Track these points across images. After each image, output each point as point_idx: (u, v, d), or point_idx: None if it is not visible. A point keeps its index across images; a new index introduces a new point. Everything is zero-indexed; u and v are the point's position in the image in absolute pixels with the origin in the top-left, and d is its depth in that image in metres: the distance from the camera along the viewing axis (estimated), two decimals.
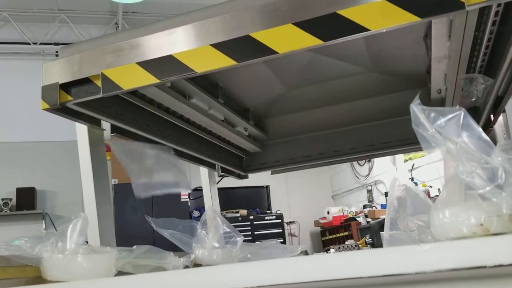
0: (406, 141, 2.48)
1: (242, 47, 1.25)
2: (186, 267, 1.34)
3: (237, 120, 2.30)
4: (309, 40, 1.19)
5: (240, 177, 2.79)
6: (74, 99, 1.39)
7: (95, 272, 1.13)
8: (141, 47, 1.37)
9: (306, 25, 1.19)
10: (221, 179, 2.74)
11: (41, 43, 7.51)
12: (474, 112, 2.25)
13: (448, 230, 0.88)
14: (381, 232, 4.43)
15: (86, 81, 1.38)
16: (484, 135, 0.73)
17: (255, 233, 7.63)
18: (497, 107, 1.91)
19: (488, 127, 2.19)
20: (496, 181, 0.70)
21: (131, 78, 1.34)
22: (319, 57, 2.10)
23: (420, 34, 1.81)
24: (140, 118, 1.81)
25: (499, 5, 1.26)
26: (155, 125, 1.89)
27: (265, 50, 1.22)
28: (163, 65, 1.33)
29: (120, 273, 1.20)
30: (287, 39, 1.21)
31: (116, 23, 7.64)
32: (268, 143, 2.69)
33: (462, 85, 1.92)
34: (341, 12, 1.16)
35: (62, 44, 7.32)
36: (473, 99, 1.99)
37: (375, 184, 7.54)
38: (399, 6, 1.10)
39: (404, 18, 1.10)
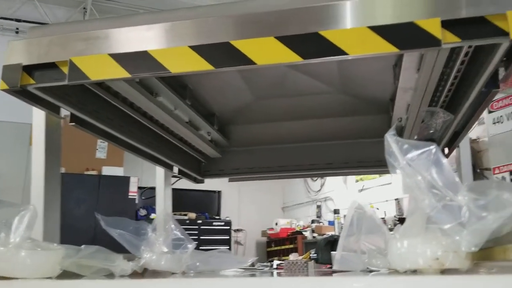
0: (363, 163, 2.54)
1: (221, 54, 1.23)
2: (135, 272, 1.30)
3: (202, 123, 2.27)
4: (289, 56, 1.19)
5: (196, 181, 2.75)
6: (36, 83, 1.32)
7: (38, 269, 1.07)
8: (116, 38, 1.33)
9: (287, 41, 1.19)
10: (176, 181, 2.70)
11: (1, 18, 7.14)
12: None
13: (404, 260, 0.90)
14: (332, 252, 4.49)
15: (52, 66, 1.31)
16: (452, 173, 0.75)
17: (202, 237, 7.55)
18: (453, 142, 1.99)
19: None
20: (459, 218, 0.72)
21: (101, 69, 1.29)
22: (291, 72, 2.12)
23: (390, 63, 1.87)
24: (102, 110, 1.74)
25: (470, 46, 1.32)
26: (117, 119, 1.83)
27: (244, 59, 1.21)
28: (136, 61, 1.29)
29: (64, 272, 1.14)
30: (268, 52, 1.21)
31: (84, 8, 7.40)
32: (229, 150, 2.68)
33: (423, 116, 1.99)
34: (323, 33, 1.17)
35: (24, 21, 6.99)
36: (431, 132, 2.07)
37: (325, 200, 7.68)
38: (380, 35, 1.13)
39: (383, 47, 1.12)
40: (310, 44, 1.18)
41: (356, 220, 1.25)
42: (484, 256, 0.84)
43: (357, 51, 1.14)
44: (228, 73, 2.06)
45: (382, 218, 5.25)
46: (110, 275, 1.25)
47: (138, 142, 1.96)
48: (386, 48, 1.12)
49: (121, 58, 1.30)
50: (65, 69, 1.29)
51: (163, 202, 2.38)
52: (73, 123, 1.66)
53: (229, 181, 2.84)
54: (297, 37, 1.19)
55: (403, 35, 1.12)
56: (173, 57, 1.25)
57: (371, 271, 1.24)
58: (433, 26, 1.10)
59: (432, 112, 1.89)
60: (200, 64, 1.22)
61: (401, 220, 4.94)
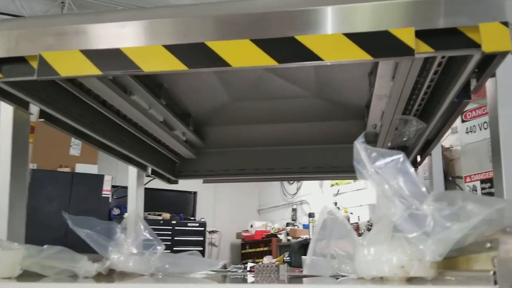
0: (338, 168, 2.55)
1: (196, 54, 1.22)
2: (99, 273, 1.27)
3: (177, 124, 2.24)
4: (264, 60, 1.18)
5: (169, 181, 2.72)
6: (4, 77, 1.28)
7: None
8: (88, 34, 1.30)
9: (263, 44, 1.18)
10: (150, 180, 2.66)
11: None
12: (403, 151, 2.37)
13: (370, 267, 0.91)
14: (303, 257, 4.50)
15: (21, 60, 1.27)
16: (419, 182, 0.76)
17: (175, 238, 7.48)
18: (425, 150, 2.02)
19: (413, 167, 2.31)
20: (424, 228, 0.73)
21: (71, 65, 1.26)
22: (268, 75, 2.11)
23: (366, 70, 1.88)
24: (73, 107, 1.70)
25: (443, 57, 1.34)
26: (88, 117, 1.79)
27: (219, 61, 1.20)
28: (108, 58, 1.26)
29: (26, 272, 1.11)
30: (243, 54, 1.20)
31: (62, 2, 7.24)
32: (204, 151, 2.66)
33: (396, 124, 2.02)
34: (299, 37, 1.17)
35: (0, 13, 6.80)
36: (404, 139, 2.09)
37: (301, 203, 7.71)
38: (355, 42, 1.13)
39: (357, 55, 1.12)
40: (286, 49, 1.18)
41: (327, 225, 1.26)
42: (449, 265, 0.85)
43: (332, 57, 1.14)
44: (204, 74, 2.04)
45: (356, 223, 5.30)
46: (74, 277, 1.22)
47: (110, 140, 1.92)
48: (361, 55, 1.13)
49: (93, 55, 1.27)
50: (35, 64, 1.26)
51: (135, 202, 2.35)
52: (42, 119, 1.62)
53: (203, 183, 2.82)
54: (273, 41, 1.19)
55: (378, 43, 1.13)
56: (146, 56, 1.23)
57: (340, 276, 1.24)
58: (407, 36, 1.11)
59: (405, 120, 1.92)
60: (173, 64, 1.21)
61: None
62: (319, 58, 1.15)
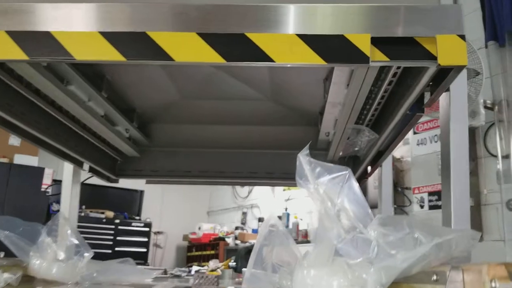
0: (289, 175, 2.49)
1: (136, 44, 1.11)
2: (9, 285, 1.12)
3: (119, 119, 2.10)
4: (211, 56, 1.09)
5: (109, 180, 2.56)
6: None
7: None
8: (16, 14, 1.16)
9: (211, 39, 1.09)
10: (88, 178, 2.49)
11: None
12: (354, 161, 2.35)
13: None
14: (244, 268, 4.42)
15: None
16: (365, 202, 0.69)
17: (118, 238, 7.19)
18: (376, 161, 1.99)
19: (363, 177, 2.29)
20: (367, 254, 0.66)
21: None
22: (220, 74, 2.01)
23: (322, 76, 1.83)
24: (1, 95, 1.54)
25: (398, 67, 1.29)
26: (19, 107, 1.62)
27: (161, 54, 1.09)
28: (38, 42, 1.13)
29: None
30: (188, 49, 1.10)
31: None
32: (149, 149, 2.52)
33: (349, 133, 1.98)
34: (250, 35, 1.08)
35: None
36: (356, 149, 2.06)
37: (252, 207, 7.65)
38: (309, 46, 1.06)
39: (311, 58, 1.05)
40: (235, 46, 1.09)
41: (270, 237, 1.18)
42: None
43: (284, 59, 1.07)
44: (151, 67, 1.92)
45: (305, 230, 5.29)
46: None
47: (42, 133, 1.76)
48: (314, 59, 1.05)
49: (20, 37, 1.14)
50: None
51: (69, 201, 2.17)
52: None
53: (146, 183, 2.68)
54: (222, 36, 1.09)
55: (332, 48, 1.06)
56: (79, 42, 1.11)
57: None
58: (362, 42, 1.05)
59: (358, 130, 1.88)
60: (109, 54, 1.09)
61: None
62: (270, 59, 1.06)
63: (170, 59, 1.08)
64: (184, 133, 2.48)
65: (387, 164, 2.13)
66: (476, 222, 4.12)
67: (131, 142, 2.36)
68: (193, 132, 2.46)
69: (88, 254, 1.42)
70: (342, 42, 1.05)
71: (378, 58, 1.05)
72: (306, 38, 1.06)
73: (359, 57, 1.04)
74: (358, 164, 2.23)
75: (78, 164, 2.20)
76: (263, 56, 1.06)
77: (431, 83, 1.20)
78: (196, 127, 2.44)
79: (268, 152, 2.48)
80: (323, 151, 2.43)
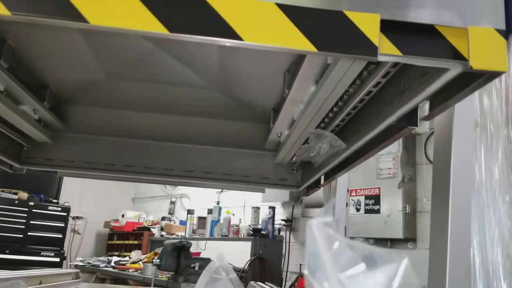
0: (229, 176, 2.16)
1: None
2: None
3: (25, 97, 1.65)
4: (148, 23, 0.72)
5: (12, 169, 2.08)
6: None
7: None
8: None
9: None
10: None
11: None
12: (306, 166, 2.07)
13: None
14: (177, 259, 4.07)
15: None
16: None
17: (32, 222, 6.50)
18: (335, 172, 1.71)
19: (315, 186, 2.02)
20: None
21: None
22: (159, 52, 1.63)
23: (283, 66, 1.51)
24: None
25: (394, 65, 1.00)
26: None
27: (70, 12, 0.71)
28: None
29: None
30: (113, 9, 0.73)
31: None
32: (64, 135, 2.07)
33: (306, 137, 1.69)
34: (212, 1, 0.74)
35: None
36: (312, 155, 1.76)
37: (181, 197, 7.23)
38: (294, 22, 0.73)
39: (296, 41, 0.72)
40: (187, 12, 0.74)
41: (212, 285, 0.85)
42: None
43: (256, 38, 0.73)
44: (68, 36, 1.49)
45: (237, 226, 5.01)
46: None
47: None
48: (300, 43, 0.73)
49: None
50: None
51: None
52: None
53: (57, 175, 2.23)
54: None
55: (327, 29, 0.74)
56: None
57: None
58: (369, 25, 0.74)
59: (319, 135, 1.58)
60: None
61: (256, 231, 4.74)
62: (235, 35, 0.72)
63: (82, 19, 0.70)
64: (108, 119, 2.06)
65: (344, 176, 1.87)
66: (411, 229, 4.07)
67: (40, 126, 1.90)
68: (120, 118, 2.05)
69: None
70: (340, 22, 0.74)
71: (387, 50, 0.74)
72: (291, 12, 0.73)
73: (364, 47, 0.73)
74: (310, 172, 1.95)
75: None
76: (225, 29, 0.72)
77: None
78: (124, 113, 2.04)
79: (208, 148, 2.13)
80: (271, 152, 2.13)
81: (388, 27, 0.75)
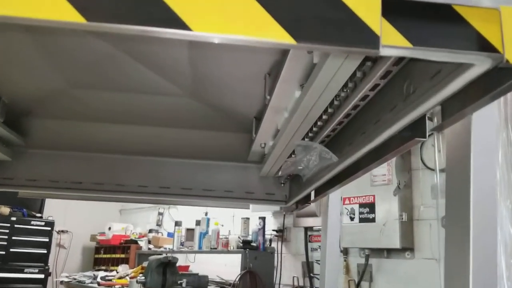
0: (210, 192, 1.96)
1: None
2: None
3: None
4: (59, 10, 0.52)
5: None
6: None
7: None
8: None
9: None
10: None
11: None
12: (295, 180, 1.87)
13: None
14: (163, 276, 3.84)
15: None
16: None
17: (14, 238, 6.22)
18: (327, 188, 1.51)
19: (304, 202, 1.82)
20: None
21: None
22: (123, 57, 1.42)
23: (264, 69, 1.30)
24: None
25: (396, 63, 0.80)
26: None
27: None
28: None
29: None
30: None
31: None
32: (24, 151, 1.86)
33: (293, 148, 1.49)
34: None
35: None
36: (300, 168, 1.55)
37: (169, 207, 6.98)
38: (263, 4, 0.53)
39: (268, 31, 0.52)
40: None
41: None
42: None
43: (207, 26, 0.52)
44: (22, 39, 1.28)
45: (226, 237, 4.79)
46: None
47: None
48: (274, 32, 0.53)
49: None
50: None
51: None
52: None
53: (18, 196, 2.00)
54: None
55: (309, 13, 0.54)
56: None
57: None
58: (367, 8, 0.54)
59: (307, 147, 1.38)
60: None
61: (245, 243, 4.51)
62: (181, 24, 0.52)
63: None
64: (72, 132, 1.84)
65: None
66: (408, 238, 3.87)
67: None
68: (85, 131, 1.83)
69: None
70: (327, 3, 0.54)
71: (392, 41, 0.54)
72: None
73: (360, 37, 0.53)
74: (299, 186, 1.75)
75: None
76: (167, 17, 0.52)
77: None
78: (89, 126, 1.82)
79: (185, 162, 1.93)
80: (256, 164, 1.92)
81: (393, 10, 0.55)
